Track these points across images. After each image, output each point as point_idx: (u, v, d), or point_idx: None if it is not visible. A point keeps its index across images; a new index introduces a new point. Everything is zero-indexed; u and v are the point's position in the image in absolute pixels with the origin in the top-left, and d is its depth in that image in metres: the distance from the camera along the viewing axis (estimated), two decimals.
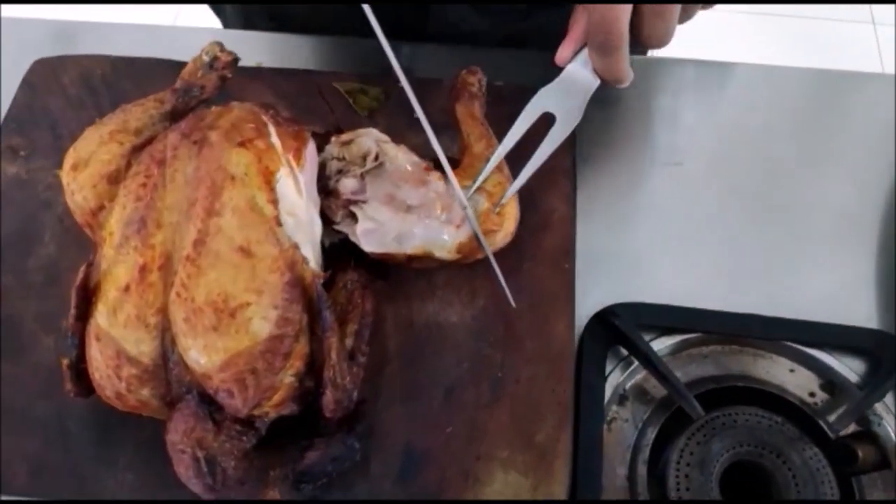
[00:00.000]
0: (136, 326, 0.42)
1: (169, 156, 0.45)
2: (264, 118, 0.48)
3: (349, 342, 0.46)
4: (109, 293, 0.43)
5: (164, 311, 0.42)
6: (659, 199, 0.60)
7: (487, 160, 0.51)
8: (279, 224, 0.44)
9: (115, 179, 0.46)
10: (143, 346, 0.42)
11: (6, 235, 0.55)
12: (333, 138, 0.52)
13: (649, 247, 0.58)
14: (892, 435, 0.50)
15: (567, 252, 0.53)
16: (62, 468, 0.47)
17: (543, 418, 0.48)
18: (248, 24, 0.77)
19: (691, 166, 0.61)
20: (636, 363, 0.52)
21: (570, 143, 0.53)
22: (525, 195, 0.52)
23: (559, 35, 0.51)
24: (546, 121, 0.51)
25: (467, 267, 0.52)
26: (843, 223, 0.59)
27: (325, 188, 0.51)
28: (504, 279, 0.50)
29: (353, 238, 0.50)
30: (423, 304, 0.52)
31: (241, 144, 0.45)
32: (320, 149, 0.52)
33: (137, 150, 0.48)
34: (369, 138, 0.52)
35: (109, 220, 0.45)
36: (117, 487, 0.46)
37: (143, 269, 0.43)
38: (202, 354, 0.41)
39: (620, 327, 0.52)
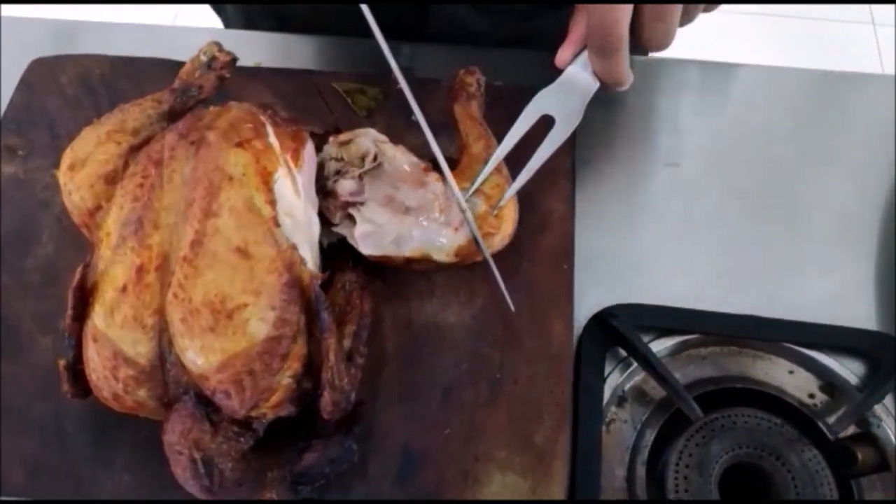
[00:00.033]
0: (133, 327, 0.42)
1: (166, 156, 0.45)
2: (262, 118, 0.48)
3: (347, 343, 0.46)
4: (106, 294, 0.43)
5: (161, 312, 0.42)
6: (658, 200, 0.60)
7: (486, 161, 0.51)
8: (277, 225, 0.44)
9: (112, 180, 0.46)
10: (140, 347, 0.42)
11: (4, 235, 0.55)
12: (331, 138, 0.52)
13: (648, 248, 0.58)
14: (892, 437, 0.50)
15: (566, 253, 0.53)
16: (59, 469, 0.47)
17: (542, 419, 0.48)
18: (249, 23, 0.77)
19: (690, 167, 0.61)
20: (635, 364, 0.52)
21: (570, 144, 0.53)
22: (524, 196, 0.52)
23: (560, 37, 0.51)
24: (545, 123, 0.51)
25: (466, 268, 0.51)
26: (843, 224, 0.59)
27: (324, 189, 0.50)
28: (503, 280, 0.50)
29: (350, 241, 0.50)
30: (421, 304, 0.52)
31: (239, 145, 0.45)
32: (318, 149, 0.52)
33: (135, 150, 0.47)
34: (367, 138, 0.51)
35: (106, 220, 0.44)
36: (114, 488, 0.46)
37: (140, 270, 0.42)
38: (199, 355, 0.41)
39: (619, 328, 0.52)
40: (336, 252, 0.51)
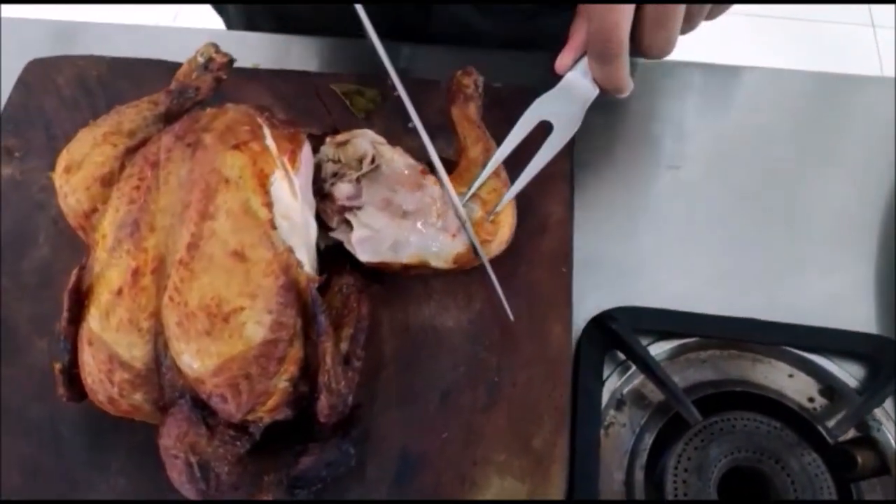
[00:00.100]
0: (129, 330, 0.42)
1: (163, 158, 0.45)
2: (259, 120, 0.47)
3: (344, 346, 0.46)
4: (102, 297, 0.42)
5: (156, 315, 0.42)
6: (657, 203, 0.60)
7: (484, 165, 0.51)
8: (274, 227, 0.43)
9: (108, 182, 0.46)
10: (136, 351, 0.42)
11: (1, 237, 0.54)
12: (329, 139, 0.52)
13: (648, 250, 0.57)
14: (892, 441, 0.50)
15: (565, 256, 0.53)
16: (55, 472, 0.47)
17: (540, 423, 0.47)
18: (251, 24, 0.77)
19: (690, 169, 0.61)
20: (634, 368, 0.52)
21: (569, 147, 0.53)
22: (522, 199, 0.52)
23: (562, 39, 0.50)
24: (544, 128, 0.51)
25: (464, 272, 0.51)
26: (844, 226, 0.59)
27: (321, 191, 0.50)
28: (502, 283, 0.50)
29: (348, 246, 0.49)
30: (419, 307, 0.51)
31: (236, 147, 0.45)
32: (316, 150, 0.51)
33: (131, 152, 0.47)
34: (365, 139, 0.51)
35: (102, 222, 0.44)
36: (110, 492, 0.46)
37: (136, 273, 0.42)
38: (195, 359, 0.41)
39: (618, 331, 0.52)
40: (333, 255, 0.50)
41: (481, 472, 0.46)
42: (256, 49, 0.65)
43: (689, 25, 0.47)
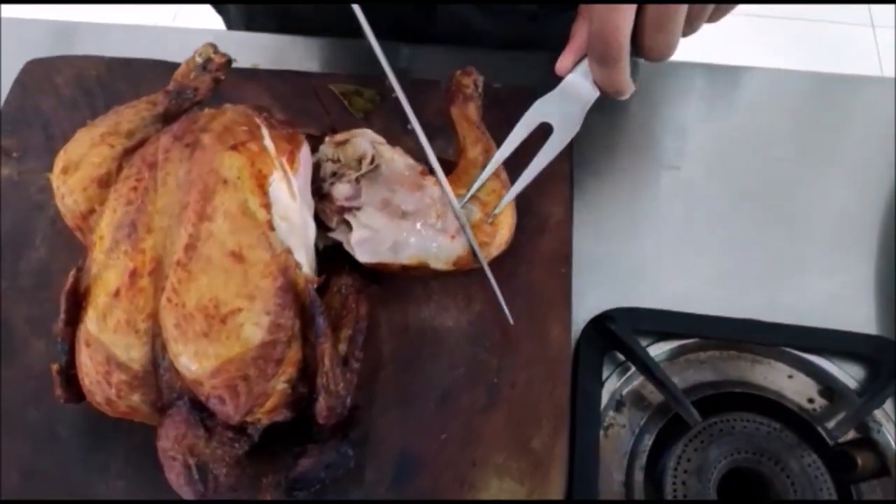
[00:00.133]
0: (127, 332, 0.42)
1: (161, 159, 0.45)
2: (257, 121, 0.47)
3: (343, 348, 0.46)
4: (99, 298, 0.42)
5: (154, 317, 0.42)
6: (657, 204, 0.60)
7: (483, 166, 0.51)
8: (272, 228, 0.43)
9: (105, 183, 0.46)
10: (133, 352, 0.42)
11: None
12: (328, 138, 0.52)
13: (647, 251, 0.57)
14: (892, 442, 0.49)
15: (564, 256, 0.53)
16: (53, 474, 0.46)
17: (539, 424, 0.47)
18: (251, 24, 0.77)
19: (690, 170, 0.61)
20: (633, 369, 0.52)
21: (568, 147, 0.53)
22: (522, 200, 0.52)
23: (563, 40, 0.50)
24: (543, 129, 0.50)
25: (463, 273, 0.51)
26: (844, 226, 0.58)
27: (320, 191, 0.50)
28: (501, 283, 0.50)
29: (347, 247, 0.49)
30: (418, 308, 0.51)
31: (234, 147, 0.45)
32: (314, 150, 0.51)
33: (129, 152, 0.47)
34: (364, 139, 0.51)
35: (100, 223, 0.44)
36: (108, 493, 0.46)
37: (134, 274, 0.42)
38: (193, 360, 0.41)
39: (617, 332, 0.51)
40: (332, 255, 0.50)
41: (480, 473, 0.46)
42: (256, 49, 0.65)
43: (690, 28, 0.46)
